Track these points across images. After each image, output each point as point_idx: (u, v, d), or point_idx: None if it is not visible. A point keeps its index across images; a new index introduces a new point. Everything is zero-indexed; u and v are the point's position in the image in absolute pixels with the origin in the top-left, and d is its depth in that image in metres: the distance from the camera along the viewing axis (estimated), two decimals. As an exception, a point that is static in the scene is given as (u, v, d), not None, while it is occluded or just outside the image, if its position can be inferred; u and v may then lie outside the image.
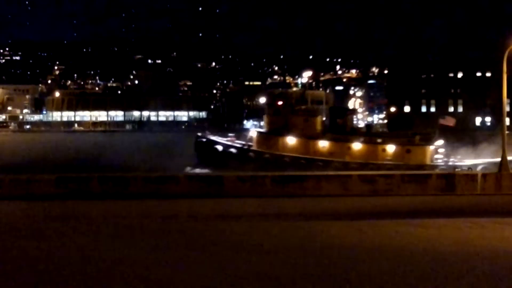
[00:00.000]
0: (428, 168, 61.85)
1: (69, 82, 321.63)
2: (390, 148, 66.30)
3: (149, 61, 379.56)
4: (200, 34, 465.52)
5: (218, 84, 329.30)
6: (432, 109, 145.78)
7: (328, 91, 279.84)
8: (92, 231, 19.91)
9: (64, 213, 24.71)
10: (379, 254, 16.20)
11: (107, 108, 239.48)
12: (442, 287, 12.88)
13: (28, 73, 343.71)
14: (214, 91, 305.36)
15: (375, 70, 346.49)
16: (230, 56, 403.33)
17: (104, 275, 13.64)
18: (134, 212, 24.79)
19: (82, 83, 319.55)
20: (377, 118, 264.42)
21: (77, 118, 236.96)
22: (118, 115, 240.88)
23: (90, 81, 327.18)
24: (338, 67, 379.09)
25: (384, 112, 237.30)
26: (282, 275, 13.68)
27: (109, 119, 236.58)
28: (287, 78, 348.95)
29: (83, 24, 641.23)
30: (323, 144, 67.83)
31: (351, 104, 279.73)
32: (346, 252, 16.46)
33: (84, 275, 13.63)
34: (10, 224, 21.62)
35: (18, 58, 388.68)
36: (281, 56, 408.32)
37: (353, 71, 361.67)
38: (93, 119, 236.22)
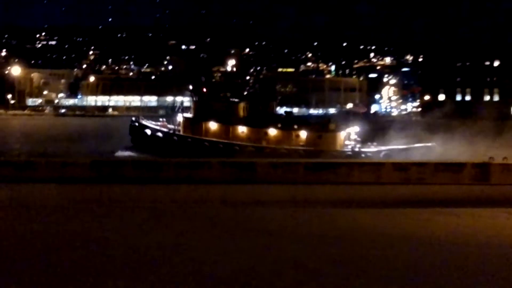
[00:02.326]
0: (335, 154, 65.64)
1: (104, 67, 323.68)
2: (303, 134, 69.43)
3: (183, 46, 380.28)
4: (234, 20, 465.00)
5: (252, 70, 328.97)
6: (467, 98, 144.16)
7: (361, 78, 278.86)
8: (125, 215, 20.05)
9: (98, 196, 24.96)
10: (411, 242, 16.07)
11: (140, 93, 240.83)
12: (476, 277, 12.73)
13: (64, 57, 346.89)
14: (248, 78, 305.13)
15: (409, 57, 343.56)
16: (263, 43, 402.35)
17: (138, 259, 13.75)
18: (166, 197, 24.94)
19: (116, 68, 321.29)
20: (411, 106, 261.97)
21: (111, 103, 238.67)
22: (151, 100, 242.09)
23: (124, 66, 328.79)
24: (372, 54, 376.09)
25: (418, 100, 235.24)
26: (312, 262, 13.65)
27: (142, 104, 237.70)
28: (320, 64, 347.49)
29: (118, 9, 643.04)
30: (242, 130, 71.08)
31: (384, 91, 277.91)
32: (378, 240, 16.33)
33: (120, 258, 13.76)
34: (46, 207, 21.88)
35: (54, 43, 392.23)
36: (315, 43, 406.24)
37: (387, 58, 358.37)
38: (127, 104, 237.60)
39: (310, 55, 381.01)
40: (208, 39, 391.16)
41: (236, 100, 78.39)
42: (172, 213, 20.58)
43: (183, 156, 54.16)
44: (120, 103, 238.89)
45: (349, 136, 72.56)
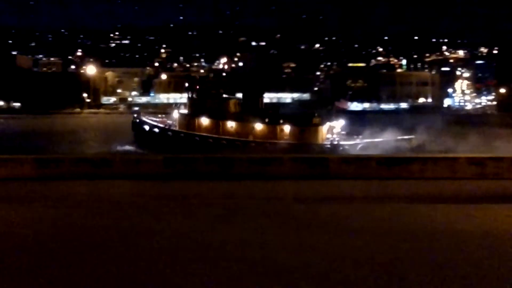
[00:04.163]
0: (314, 147, 69.37)
1: (175, 64, 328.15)
2: (287, 129, 72.78)
3: (253, 43, 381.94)
4: (304, 16, 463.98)
5: (322, 66, 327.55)
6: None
7: (433, 72, 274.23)
8: (198, 211, 20.27)
9: (171, 192, 25.30)
10: (490, 239, 15.69)
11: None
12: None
13: (136, 56, 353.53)
14: (318, 73, 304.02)
15: (483, 50, 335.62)
16: (333, 38, 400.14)
17: (210, 255, 13.89)
18: (239, 193, 25.06)
19: (187, 65, 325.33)
20: (485, 100, 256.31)
21: (183, 100, 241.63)
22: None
23: (195, 64, 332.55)
24: (444, 47, 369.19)
25: (493, 94, 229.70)
26: (384, 260, 13.51)
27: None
28: (391, 59, 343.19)
29: (189, 7, 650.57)
30: (231, 125, 74.89)
31: (457, 85, 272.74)
32: (452, 236, 16.01)
33: (192, 254, 13.93)
34: (121, 203, 22.32)
35: (127, 42, 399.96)
36: (385, 37, 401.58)
37: (460, 51, 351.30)
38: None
39: (381, 49, 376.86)
40: (278, 35, 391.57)
41: (228, 96, 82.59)
42: (244, 209, 20.69)
43: (175, 150, 57.98)
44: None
45: (332, 130, 75.94)
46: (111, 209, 20.55)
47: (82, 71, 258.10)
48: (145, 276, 12.15)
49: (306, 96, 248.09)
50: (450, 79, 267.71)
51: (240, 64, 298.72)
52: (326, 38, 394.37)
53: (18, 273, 12.46)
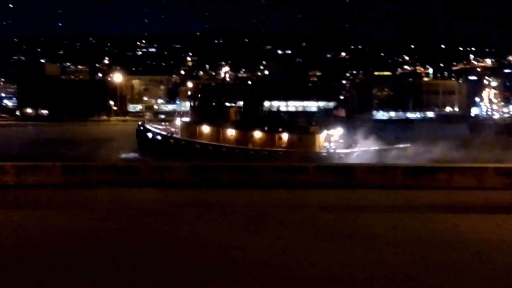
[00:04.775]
0: (312, 155, 70.99)
1: (201, 72, 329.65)
2: (285, 137, 73.98)
3: (279, 51, 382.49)
4: (330, 24, 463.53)
5: (348, 74, 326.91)
6: None
7: (460, 81, 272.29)
8: (224, 219, 20.30)
9: (197, 200, 25.38)
10: (518, 250, 15.54)
11: (237, 98, 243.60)
12: None
13: (163, 64, 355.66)
14: (344, 82, 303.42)
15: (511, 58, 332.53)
16: (359, 46, 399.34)
17: (232, 262, 13.91)
18: (264, 202, 25.06)
19: (213, 73, 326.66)
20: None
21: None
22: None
23: (221, 72, 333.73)
24: (471, 56, 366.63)
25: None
26: (411, 269, 13.43)
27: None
28: (417, 67, 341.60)
29: (215, 15, 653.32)
30: (231, 133, 76.18)
31: (485, 94, 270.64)
32: (481, 247, 15.86)
33: (214, 261, 13.97)
34: (147, 210, 22.45)
35: (153, 50, 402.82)
36: (412, 46, 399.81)
37: (488, 60, 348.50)
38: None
39: (407, 58, 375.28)
40: (304, 44, 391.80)
41: (229, 104, 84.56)
42: (269, 217, 20.68)
43: (176, 157, 59.37)
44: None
45: (329, 138, 76.88)
46: (137, 217, 20.67)
47: (109, 79, 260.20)
48: (168, 284, 12.21)
49: (331, 104, 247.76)
50: (477, 88, 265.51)
51: (266, 72, 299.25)
52: (352, 47, 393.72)
53: (46, 278, 12.60)
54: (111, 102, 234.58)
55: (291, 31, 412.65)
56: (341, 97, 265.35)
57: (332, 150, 73.90)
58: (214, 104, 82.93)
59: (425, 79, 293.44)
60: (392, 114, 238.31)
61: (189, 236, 17.13)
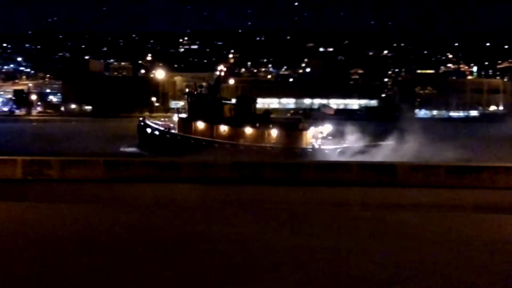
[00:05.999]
0: (298, 150, 74.07)
1: (243, 70, 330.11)
2: (274, 133, 76.67)
3: (321, 49, 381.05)
4: (372, 22, 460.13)
5: (390, 72, 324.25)
6: None
7: (505, 79, 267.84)
8: (264, 216, 20.23)
9: (238, 197, 25.42)
10: None
11: (279, 96, 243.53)
12: None
13: (205, 61, 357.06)
14: (386, 80, 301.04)
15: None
16: (402, 44, 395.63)
17: (274, 260, 13.86)
18: (305, 199, 24.98)
19: (255, 71, 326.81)
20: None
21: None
22: (289, 102, 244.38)
23: (263, 69, 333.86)
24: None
25: None
26: (454, 270, 13.22)
27: (280, 106, 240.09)
28: (461, 66, 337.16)
29: (257, 13, 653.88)
30: (223, 129, 78.96)
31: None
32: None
33: (256, 259, 13.95)
34: (188, 206, 22.54)
35: (196, 47, 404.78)
36: (456, 44, 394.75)
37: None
38: (265, 106, 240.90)
39: (451, 56, 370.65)
40: (346, 41, 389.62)
41: (224, 101, 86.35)
42: (310, 215, 20.55)
43: (172, 152, 62.00)
44: (258, 106, 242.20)
45: (317, 134, 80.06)
46: (178, 212, 20.73)
47: (151, 75, 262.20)
48: (209, 280, 12.21)
49: (373, 102, 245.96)
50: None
51: (307, 70, 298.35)
52: (395, 45, 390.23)
53: (89, 272, 12.73)
54: (153, 99, 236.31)
55: (334, 29, 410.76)
56: (383, 95, 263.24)
57: (317, 146, 76.47)
58: (209, 100, 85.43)
59: (469, 77, 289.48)
60: (435, 112, 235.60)
61: (230, 233, 17.03)
